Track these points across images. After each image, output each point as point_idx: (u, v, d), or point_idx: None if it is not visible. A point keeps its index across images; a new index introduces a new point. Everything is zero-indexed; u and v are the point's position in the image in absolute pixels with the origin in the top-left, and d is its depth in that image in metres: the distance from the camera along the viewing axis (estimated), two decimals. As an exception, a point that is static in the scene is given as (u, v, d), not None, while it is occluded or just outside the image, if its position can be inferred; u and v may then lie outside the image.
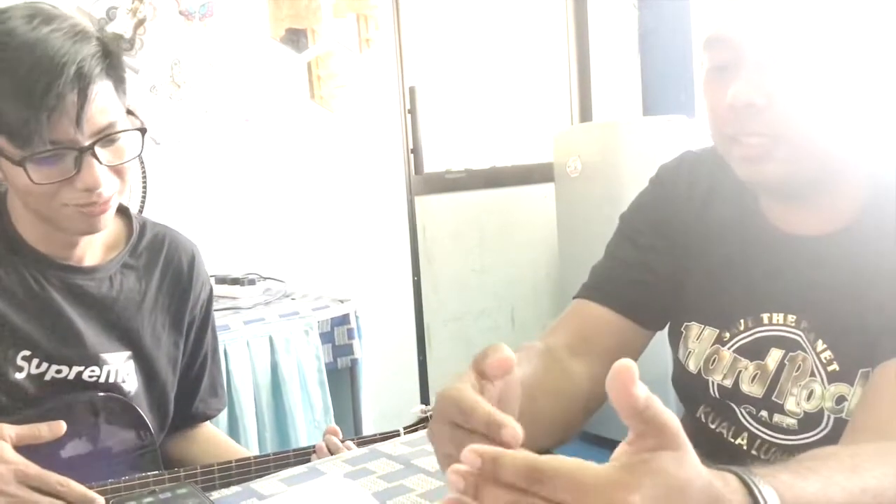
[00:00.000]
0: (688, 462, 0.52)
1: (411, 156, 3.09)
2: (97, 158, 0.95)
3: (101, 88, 0.95)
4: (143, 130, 1.01)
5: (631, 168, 2.90)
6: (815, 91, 0.80)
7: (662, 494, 0.50)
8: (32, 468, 0.92)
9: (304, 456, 1.11)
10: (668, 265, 1.00)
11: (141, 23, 2.42)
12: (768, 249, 0.91)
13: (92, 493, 0.93)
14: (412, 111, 3.07)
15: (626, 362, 0.52)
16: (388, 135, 3.00)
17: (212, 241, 2.42)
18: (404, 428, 1.17)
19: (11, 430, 0.93)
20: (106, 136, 0.96)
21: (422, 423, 1.18)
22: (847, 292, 0.84)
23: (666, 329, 1.05)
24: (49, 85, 0.90)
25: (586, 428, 3.17)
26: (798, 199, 0.88)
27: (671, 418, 0.52)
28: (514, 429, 0.58)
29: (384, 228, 3.00)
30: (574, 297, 1.04)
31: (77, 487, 0.92)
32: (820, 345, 0.86)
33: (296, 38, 2.75)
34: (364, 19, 2.89)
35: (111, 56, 0.97)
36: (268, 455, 1.10)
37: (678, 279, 1.00)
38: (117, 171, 0.99)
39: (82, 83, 0.92)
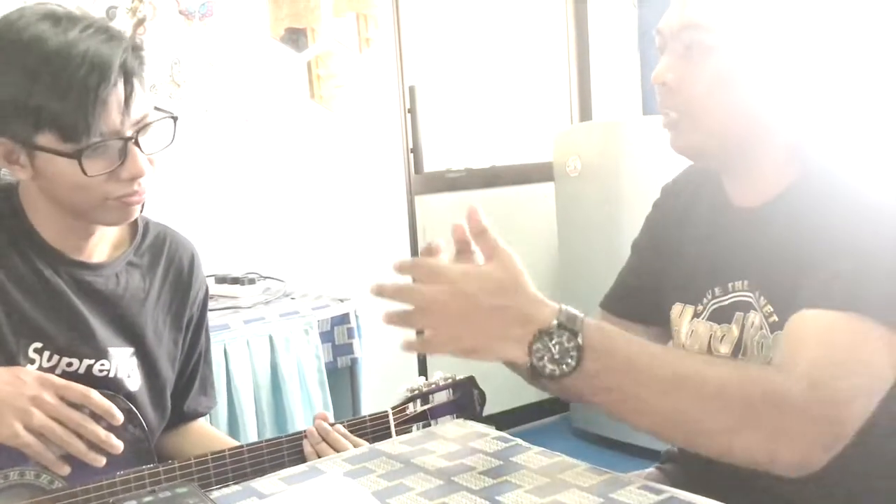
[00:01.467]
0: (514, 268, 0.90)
1: (411, 155, 3.10)
2: (139, 147, 1.01)
3: (138, 81, 1.02)
4: (174, 118, 1.07)
5: (631, 167, 2.90)
6: (720, 75, 0.94)
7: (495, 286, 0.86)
8: (57, 378, 0.97)
9: (295, 441, 1.13)
10: (658, 270, 1.12)
11: (141, 22, 2.42)
12: (726, 224, 1.02)
13: (115, 409, 0.98)
14: (412, 110, 3.07)
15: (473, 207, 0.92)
16: (387, 134, 3.00)
17: (212, 241, 2.42)
18: (392, 408, 1.18)
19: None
20: (144, 126, 1.02)
21: (409, 401, 1.19)
22: (782, 254, 0.93)
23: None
24: (101, 77, 0.96)
25: (583, 426, 3.18)
26: (732, 171, 1.01)
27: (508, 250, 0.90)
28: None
29: (384, 228, 3.00)
30: (599, 305, 1.23)
31: (99, 399, 0.98)
32: (763, 301, 0.95)
33: (295, 37, 2.75)
34: (364, 18, 2.89)
35: (139, 51, 1.04)
36: (260, 443, 1.11)
37: (663, 279, 1.11)
38: (150, 161, 1.05)
39: (127, 75, 0.99)
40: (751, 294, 0.97)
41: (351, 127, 2.87)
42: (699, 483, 0.92)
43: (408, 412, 1.19)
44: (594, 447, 3.05)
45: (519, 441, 1.00)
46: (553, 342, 0.81)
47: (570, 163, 3.10)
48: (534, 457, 0.94)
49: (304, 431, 1.14)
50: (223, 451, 1.08)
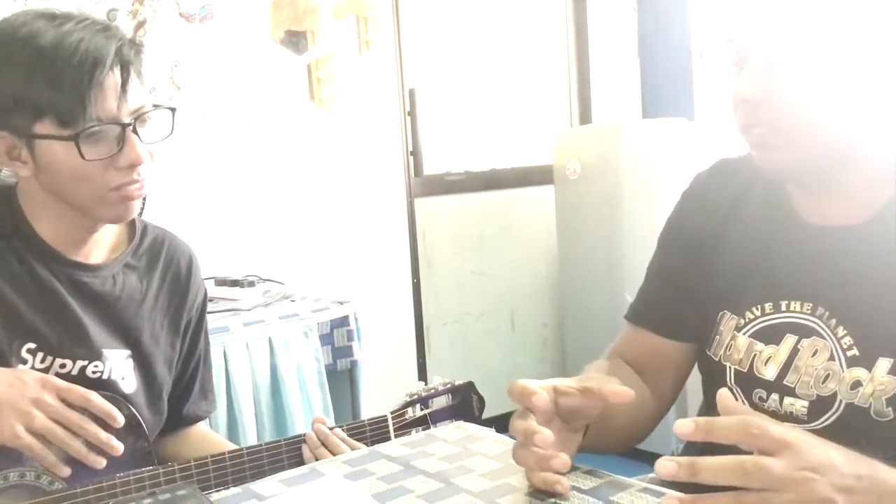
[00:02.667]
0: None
1: (411, 158, 3.10)
2: (137, 135, 1.02)
3: (134, 72, 1.03)
4: (173, 109, 1.08)
5: (630, 170, 2.90)
6: (809, 87, 0.86)
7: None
8: (58, 380, 0.97)
9: (295, 445, 1.12)
10: (694, 274, 1.05)
11: (141, 25, 2.42)
12: (792, 240, 0.96)
13: (115, 411, 0.99)
14: (412, 113, 3.07)
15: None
16: (387, 137, 3.00)
17: (212, 243, 2.42)
18: (391, 412, 1.18)
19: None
20: (142, 115, 1.03)
21: (407, 406, 1.18)
22: (869, 281, 0.88)
23: None
24: (96, 63, 0.98)
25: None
26: (819, 189, 0.93)
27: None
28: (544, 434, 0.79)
29: (384, 230, 3.00)
30: (625, 317, 1.12)
31: (100, 401, 0.98)
32: (841, 331, 0.89)
33: (296, 39, 2.75)
34: (364, 21, 2.89)
35: (135, 44, 1.05)
36: (259, 445, 1.10)
37: (704, 283, 1.04)
38: (150, 154, 1.06)
39: (123, 62, 1.01)
40: (815, 319, 0.92)
41: (351, 129, 2.88)
42: (702, 490, 0.91)
43: (407, 417, 1.19)
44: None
45: (519, 443, 1.00)
46: None
47: (570, 166, 3.10)
48: (534, 459, 0.94)
49: (304, 435, 1.14)
50: (223, 454, 1.08)
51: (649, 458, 1.24)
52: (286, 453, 1.12)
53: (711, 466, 0.66)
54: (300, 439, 1.13)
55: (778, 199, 0.99)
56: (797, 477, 0.65)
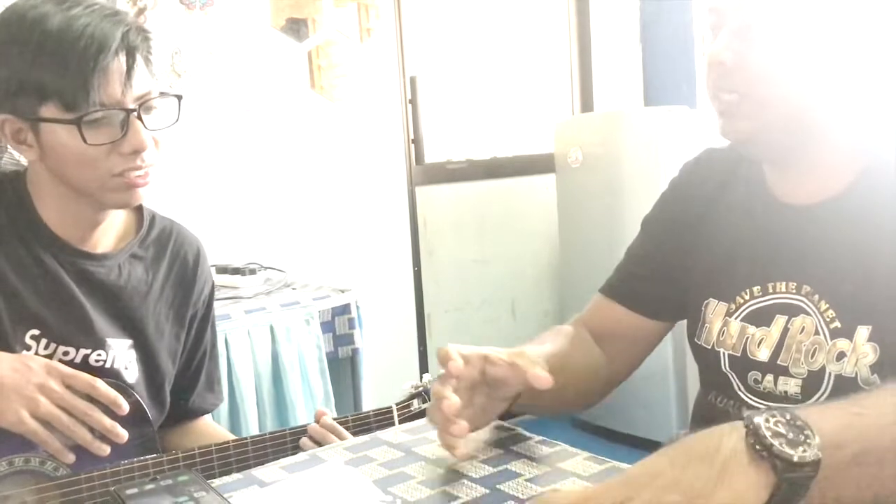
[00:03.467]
0: None
1: (412, 146, 3.09)
2: (142, 122, 1.02)
3: (140, 58, 1.04)
4: (179, 97, 1.09)
5: (632, 159, 2.90)
6: (781, 54, 0.87)
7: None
8: (64, 366, 0.97)
9: (299, 435, 1.13)
10: (676, 258, 1.07)
11: (141, 11, 2.42)
12: (771, 221, 0.97)
13: (120, 399, 0.99)
14: (413, 101, 3.07)
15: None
16: (388, 125, 3.00)
17: (213, 231, 2.42)
18: (396, 404, 1.18)
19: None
20: (147, 101, 1.04)
21: (413, 398, 1.19)
22: (844, 255, 0.90)
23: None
24: (101, 48, 0.98)
25: (583, 417, 3.18)
26: (788, 166, 0.95)
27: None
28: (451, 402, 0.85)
29: (385, 219, 3.00)
30: (599, 290, 1.15)
31: (105, 389, 0.98)
32: (823, 305, 0.91)
33: (296, 27, 2.74)
34: (365, 8, 2.88)
35: (143, 31, 1.06)
36: (264, 435, 1.11)
37: (687, 269, 1.05)
38: (155, 141, 1.05)
39: (129, 47, 1.02)
40: (801, 297, 0.93)
41: (352, 117, 2.87)
42: None
43: (412, 409, 1.19)
44: (594, 438, 3.06)
45: (519, 430, 1.00)
46: (772, 424, 0.61)
47: (572, 154, 3.09)
48: (534, 446, 0.95)
49: (307, 426, 1.14)
50: (226, 442, 1.08)
51: (652, 447, 1.24)
52: (291, 443, 1.12)
53: None
54: (304, 428, 1.13)
55: (756, 182, 1.00)
56: None
